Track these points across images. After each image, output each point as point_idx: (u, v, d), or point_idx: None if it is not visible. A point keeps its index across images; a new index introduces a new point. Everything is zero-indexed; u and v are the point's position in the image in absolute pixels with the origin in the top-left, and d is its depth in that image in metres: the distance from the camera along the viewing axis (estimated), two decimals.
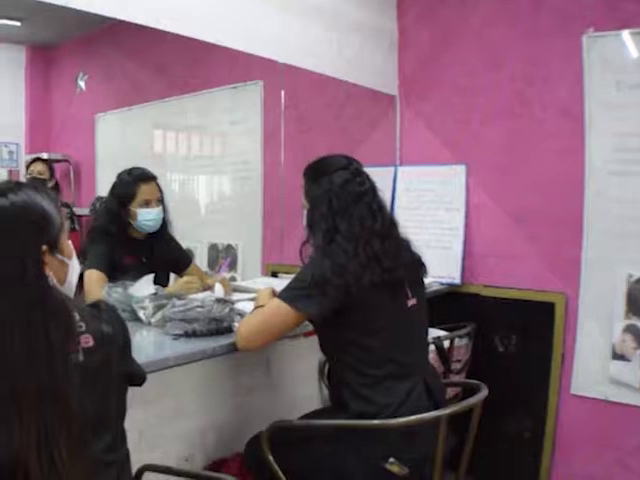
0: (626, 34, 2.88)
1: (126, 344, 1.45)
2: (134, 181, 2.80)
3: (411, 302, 2.07)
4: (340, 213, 2.01)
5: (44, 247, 1.26)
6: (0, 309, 1.16)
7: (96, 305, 1.43)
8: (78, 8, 2.12)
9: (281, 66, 3.04)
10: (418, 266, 2.17)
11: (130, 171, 2.85)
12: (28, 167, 4.77)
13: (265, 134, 4.21)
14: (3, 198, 1.23)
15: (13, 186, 1.28)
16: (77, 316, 1.29)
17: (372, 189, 2.10)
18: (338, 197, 2.02)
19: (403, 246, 2.12)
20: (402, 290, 2.05)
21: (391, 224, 2.11)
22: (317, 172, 2.12)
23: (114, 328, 1.39)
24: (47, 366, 1.17)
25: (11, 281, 1.18)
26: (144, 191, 2.79)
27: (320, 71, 3.11)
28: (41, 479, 1.12)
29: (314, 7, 2.96)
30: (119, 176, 2.87)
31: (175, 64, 4.78)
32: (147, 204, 2.79)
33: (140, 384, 1.52)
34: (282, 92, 3.53)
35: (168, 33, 2.41)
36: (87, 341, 1.29)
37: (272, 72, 3.58)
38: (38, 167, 4.75)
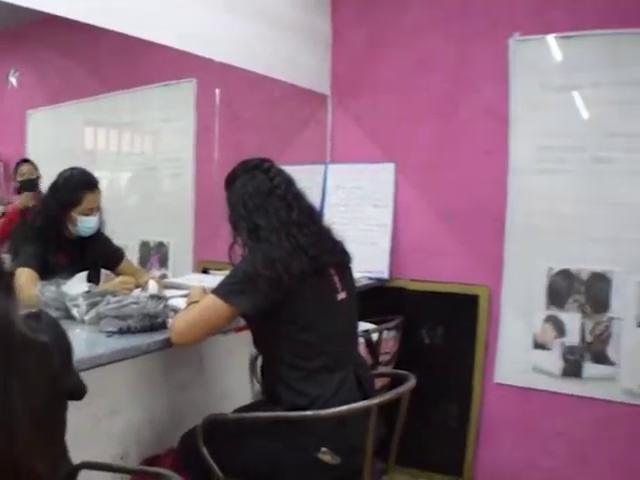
0: (550, 38, 3.02)
1: (68, 358, 1.33)
2: (80, 188, 2.71)
3: (341, 296, 2.11)
4: (256, 210, 2.06)
5: None
6: None
7: (37, 315, 1.27)
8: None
9: (216, 64, 3.02)
10: (342, 253, 2.21)
11: (74, 174, 2.76)
12: (17, 170, 4.37)
13: (198, 132, 4.19)
14: None
15: None
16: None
17: (286, 181, 2.14)
18: (251, 195, 2.08)
19: (325, 234, 2.17)
20: (331, 283, 2.10)
21: (311, 212, 2.17)
22: (230, 179, 2.20)
23: (55, 342, 1.24)
24: None
25: None
26: (89, 199, 2.71)
27: (254, 70, 3.12)
28: None
29: (249, 6, 2.97)
30: (62, 178, 2.76)
31: (108, 61, 4.68)
32: (89, 212, 2.73)
33: (80, 398, 1.42)
34: (217, 90, 3.52)
35: (101, 30, 2.37)
36: None
37: (206, 70, 3.57)
38: (26, 168, 4.36)
